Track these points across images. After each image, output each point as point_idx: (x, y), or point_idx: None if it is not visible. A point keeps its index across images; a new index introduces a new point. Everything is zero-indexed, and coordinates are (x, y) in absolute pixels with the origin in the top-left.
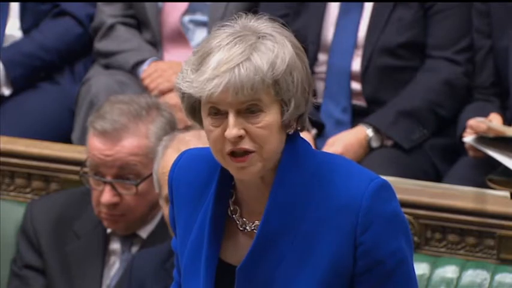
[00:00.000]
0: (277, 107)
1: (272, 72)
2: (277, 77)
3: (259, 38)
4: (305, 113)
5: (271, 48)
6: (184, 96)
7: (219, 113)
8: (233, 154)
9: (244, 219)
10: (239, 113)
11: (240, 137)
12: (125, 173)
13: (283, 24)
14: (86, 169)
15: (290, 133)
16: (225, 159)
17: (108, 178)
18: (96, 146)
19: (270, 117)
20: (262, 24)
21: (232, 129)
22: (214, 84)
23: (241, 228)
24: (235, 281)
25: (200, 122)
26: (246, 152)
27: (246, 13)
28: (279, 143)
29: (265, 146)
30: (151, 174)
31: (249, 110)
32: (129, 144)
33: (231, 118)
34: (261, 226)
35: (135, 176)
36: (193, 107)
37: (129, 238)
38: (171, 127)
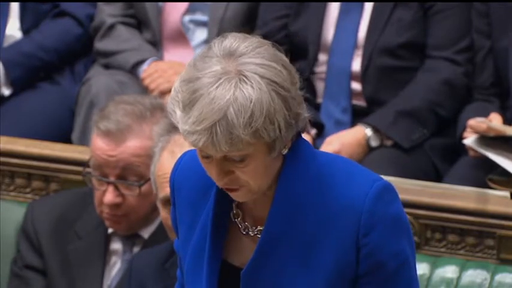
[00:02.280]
0: (263, 145)
1: (250, 127)
2: (255, 129)
3: (240, 81)
4: (300, 122)
5: (249, 97)
6: None
7: (207, 154)
8: None
9: (246, 224)
10: (224, 158)
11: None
12: (128, 173)
13: (276, 42)
14: (88, 169)
15: (284, 153)
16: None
17: (111, 178)
18: (100, 146)
19: (255, 160)
20: (247, 54)
21: (217, 177)
22: (194, 139)
23: (244, 232)
24: (240, 285)
25: None
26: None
27: (240, 29)
28: (270, 172)
29: (253, 183)
30: None
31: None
32: (132, 145)
33: (215, 167)
34: (264, 232)
35: (138, 177)
36: None
37: (130, 238)
38: (175, 129)
